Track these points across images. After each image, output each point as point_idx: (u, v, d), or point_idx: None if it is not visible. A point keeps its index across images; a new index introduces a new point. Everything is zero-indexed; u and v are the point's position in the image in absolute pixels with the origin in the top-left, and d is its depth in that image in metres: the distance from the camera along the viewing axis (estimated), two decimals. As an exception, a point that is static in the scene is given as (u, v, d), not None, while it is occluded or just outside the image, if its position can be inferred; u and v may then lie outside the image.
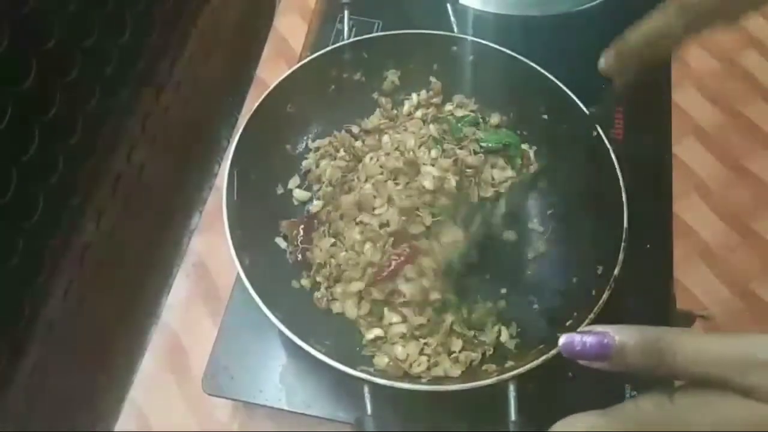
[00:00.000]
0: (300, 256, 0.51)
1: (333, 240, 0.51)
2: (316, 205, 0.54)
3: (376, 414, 0.40)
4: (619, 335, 0.27)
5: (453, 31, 0.57)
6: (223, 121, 0.67)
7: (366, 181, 0.54)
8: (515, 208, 0.53)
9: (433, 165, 0.54)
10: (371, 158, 0.55)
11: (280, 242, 0.52)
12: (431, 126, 0.57)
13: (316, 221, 0.53)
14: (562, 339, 0.28)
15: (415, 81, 0.59)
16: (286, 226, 0.52)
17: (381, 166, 0.54)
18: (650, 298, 0.51)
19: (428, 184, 0.52)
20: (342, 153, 0.56)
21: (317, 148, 0.56)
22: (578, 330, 0.28)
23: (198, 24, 0.57)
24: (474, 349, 0.47)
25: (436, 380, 0.45)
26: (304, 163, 0.56)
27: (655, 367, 0.26)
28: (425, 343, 0.47)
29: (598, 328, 0.27)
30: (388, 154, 0.55)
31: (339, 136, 0.56)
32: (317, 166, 0.56)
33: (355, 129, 0.57)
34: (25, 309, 0.39)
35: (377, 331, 0.48)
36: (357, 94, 0.57)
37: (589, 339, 0.27)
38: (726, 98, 0.66)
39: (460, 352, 0.47)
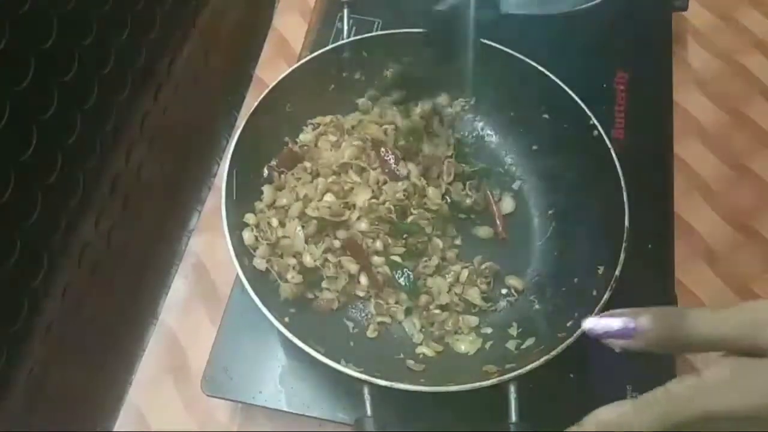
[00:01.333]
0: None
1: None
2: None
3: (376, 414, 0.40)
4: (639, 314, 0.29)
5: (453, 31, 0.57)
6: (222, 121, 0.67)
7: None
8: None
9: None
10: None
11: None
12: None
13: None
14: (587, 321, 0.30)
15: (416, 81, 0.58)
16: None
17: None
18: (651, 298, 0.51)
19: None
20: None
21: (316, 125, 0.55)
22: (600, 315, 0.30)
23: (197, 23, 0.57)
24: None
25: (436, 380, 0.44)
26: (301, 136, 0.55)
27: (674, 339, 0.28)
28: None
29: (619, 310, 0.29)
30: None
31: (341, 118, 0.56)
32: (316, 144, 0.54)
33: None
34: (23, 309, 0.39)
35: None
36: (357, 94, 0.57)
37: (611, 320, 0.29)
38: (728, 98, 0.66)
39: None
